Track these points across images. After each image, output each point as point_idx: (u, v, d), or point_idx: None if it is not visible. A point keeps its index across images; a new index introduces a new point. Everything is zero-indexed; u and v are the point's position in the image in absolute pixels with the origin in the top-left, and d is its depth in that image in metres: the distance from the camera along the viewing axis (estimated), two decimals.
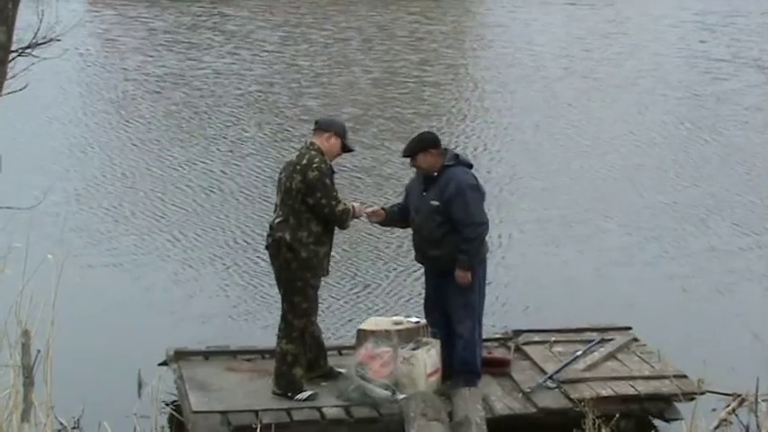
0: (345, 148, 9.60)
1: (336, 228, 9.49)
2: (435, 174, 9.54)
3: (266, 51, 25.21)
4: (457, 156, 9.70)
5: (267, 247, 9.49)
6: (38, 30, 8.73)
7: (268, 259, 9.62)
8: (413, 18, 29.35)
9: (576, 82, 22.95)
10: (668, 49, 26.01)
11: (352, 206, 9.49)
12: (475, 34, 28.33)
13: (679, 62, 24.73)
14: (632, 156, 18.17)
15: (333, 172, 9.44)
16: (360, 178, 16.44)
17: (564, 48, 26.01)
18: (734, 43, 26.45)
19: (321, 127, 9.54)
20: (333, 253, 9.69)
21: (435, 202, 9.46)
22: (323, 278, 9.57)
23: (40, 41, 8.89)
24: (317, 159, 9.28)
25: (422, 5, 31.12)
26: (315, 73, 23.28)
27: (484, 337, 10.03)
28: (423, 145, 9.62)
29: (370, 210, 9.93)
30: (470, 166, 9.76)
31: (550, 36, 27.28)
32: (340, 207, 9.31)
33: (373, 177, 16.42)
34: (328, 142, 9.44)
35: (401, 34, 27.36)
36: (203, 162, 17.38)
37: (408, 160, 9.78)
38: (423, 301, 10.10)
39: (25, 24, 8.81)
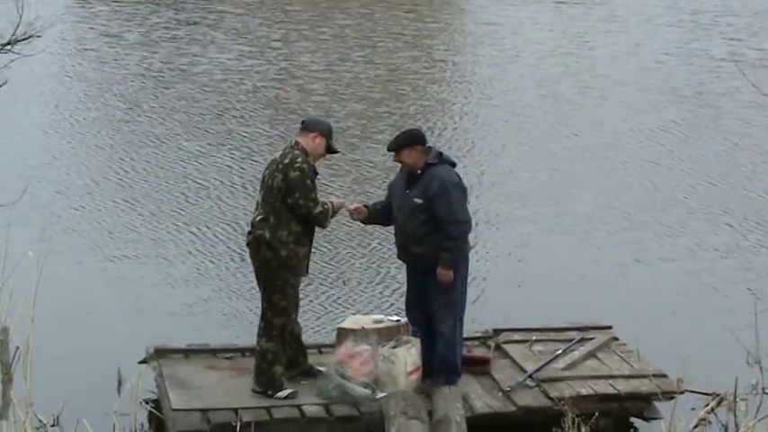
0: (330, 149, 9.65)
1: (317, 227, 9.55)
2: (419, 172, 9.58)
3: (269, 48, 25.17)
4: (440, 154, 9.73)
5: (248, 245, 9.53)
6: (17, 26, 8.79)
7: (249, 257, 9.67)
8: (409, 15, 29.36)
9: (577, 80, 22.96)
10: (665, 47, 26.03)
11: (331, 203, 9.51)
12: (470, 32, 28.31)
13: (677, 60, 24.75)
14: (618, 155, 18.24)
15: (316, 173, 9.48)
16: (369, 172, 16.53)
17: (561, 46, 26.04)
18: (729, 42, 26.53)
19: (307, 127, 9.57)
20: (313, 251, 9.75)
21: (418, 200, 9.49)
22: (303, 277, 9.64)
23: (19, 38, 8.96)
24: (299, 159, 9.32)
25: (414, 3, 31.16)
26: (319, 70, 23.28)
27: (464, 335, 10.08)
28: (409, 140, 9.65)
29: (352, 207, 9.95)
30: (454, 165, 9.80)
31: (546, 34, 27.30)
32: (317, 209, 9.33)
33: (384, 171, 16.40)
34: (313, 142, 9.48)
35: (398, 31, 27.34)
36: (194, 160, 17.45)
37: (392, 155, 9.82)
38: (403, 300, 10.16)
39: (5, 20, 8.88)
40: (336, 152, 9.85)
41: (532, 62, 24.39)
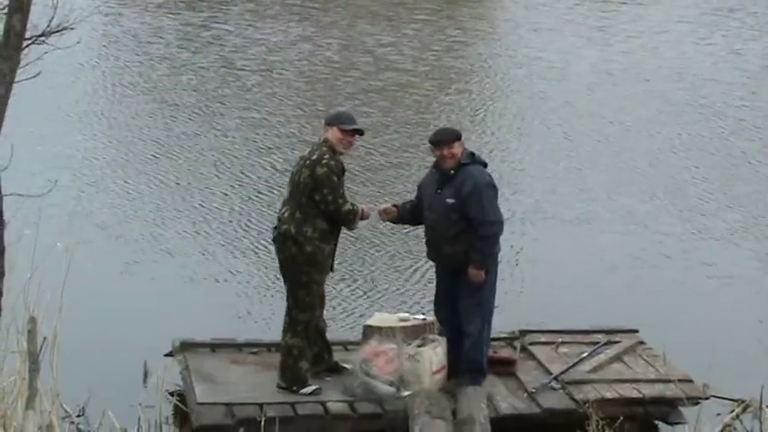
0: (346, 132, 9.47)
1: (344, 227, 9.52)
2: (452, 171, 9.55)
3: (358, 41, 25.09)
4: (473, 154, 9.71)
5: (273, 240, 9.53)
6: (52, 17, 8.78)
7: (275, 253, 9.65)
8: (465, 23, 29.26)
9: (665, 79, 22.85)
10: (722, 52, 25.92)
11: (361, 209, 9.50)
12: (517, 34, 28.07)
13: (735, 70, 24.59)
14: (667, 159, 18.19)
15: (344, 170, 9.46)
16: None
17: (631, 49, 25.83)
18: None
19: (324, 122, 9.63)
20: (340, 248, 9.74)
21: (451, 200, 9.46)
22: (328, 274, 9.61)
23: (54, 29, 8.94)
24: (326, 156, 9.31)
25: (460, 11, 31.01)
26: (406, 72, 23.22)
27: (491, 336, 10.02)
28: (457, 134, 9.67)
29: (381, 207, 9.98)
30: (485, 165, 9.77)
31: (608, 37, 27.14)
32: (346, 207, 9.32)
33: None
34: (331, 135, 9.45)
35: (457, 37, 27.16)
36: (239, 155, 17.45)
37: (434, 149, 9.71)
38: (430, 298, 10.12)
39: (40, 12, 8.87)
40: (359, 132, 9.63)
41: (605, 65, 24.15)
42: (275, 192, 15.29)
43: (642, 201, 16.01)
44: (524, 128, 19.46)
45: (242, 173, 16.50)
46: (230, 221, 14.58)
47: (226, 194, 15.59)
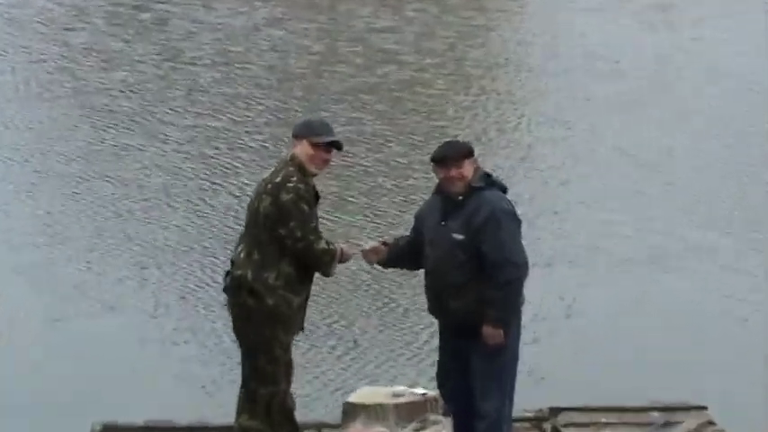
0: (319, 147, 9.33)
1: (318, 272, 9.34)
2: (460, 198, 9.40)
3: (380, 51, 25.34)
4: (489, 175, 9.51)
5: (225, 290, 9.37)
6: None
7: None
8: (484, 1, 29.49)
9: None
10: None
11: (340, 248, 9.35)
12: (552, 15, 28.26)
13: None
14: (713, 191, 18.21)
15: (317, 197, 9.32)
16: None
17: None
18: None
19: (292, 134, 9.47)
20: (312, 299, 9.56)
21: (459, 236, 9.28)
22: (298, 335, 9.47)
23: None
24: (294, 178, 9.13)
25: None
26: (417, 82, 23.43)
27: (513, 415, 9.92)
28: (469, 149, 9.45)
29: (367, 246, 9.80)
30: (505, 190, 9.58)
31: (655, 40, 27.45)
32: (320, 245, 9.14)
33: None
34: (300, 150, 9.29)
35: (474, 20, 27.34)
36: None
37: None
38: (434, 367, 10.02)
39: None
40: (337, 146, 9.47)
41: (668, 55, 24.30)
42: (241, 224, 15.27)
43: (721, 234, 15.96)
44: (567, 139, 19.47)
45: (199, 200, 16.51)
46: (183, 264, 14.52)
47: (177, 228, 15.61)
